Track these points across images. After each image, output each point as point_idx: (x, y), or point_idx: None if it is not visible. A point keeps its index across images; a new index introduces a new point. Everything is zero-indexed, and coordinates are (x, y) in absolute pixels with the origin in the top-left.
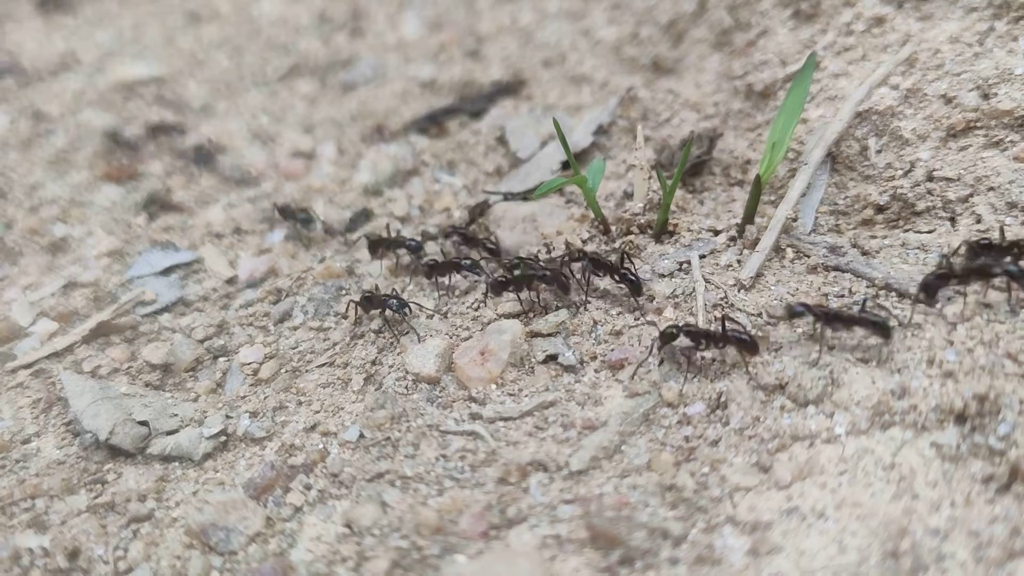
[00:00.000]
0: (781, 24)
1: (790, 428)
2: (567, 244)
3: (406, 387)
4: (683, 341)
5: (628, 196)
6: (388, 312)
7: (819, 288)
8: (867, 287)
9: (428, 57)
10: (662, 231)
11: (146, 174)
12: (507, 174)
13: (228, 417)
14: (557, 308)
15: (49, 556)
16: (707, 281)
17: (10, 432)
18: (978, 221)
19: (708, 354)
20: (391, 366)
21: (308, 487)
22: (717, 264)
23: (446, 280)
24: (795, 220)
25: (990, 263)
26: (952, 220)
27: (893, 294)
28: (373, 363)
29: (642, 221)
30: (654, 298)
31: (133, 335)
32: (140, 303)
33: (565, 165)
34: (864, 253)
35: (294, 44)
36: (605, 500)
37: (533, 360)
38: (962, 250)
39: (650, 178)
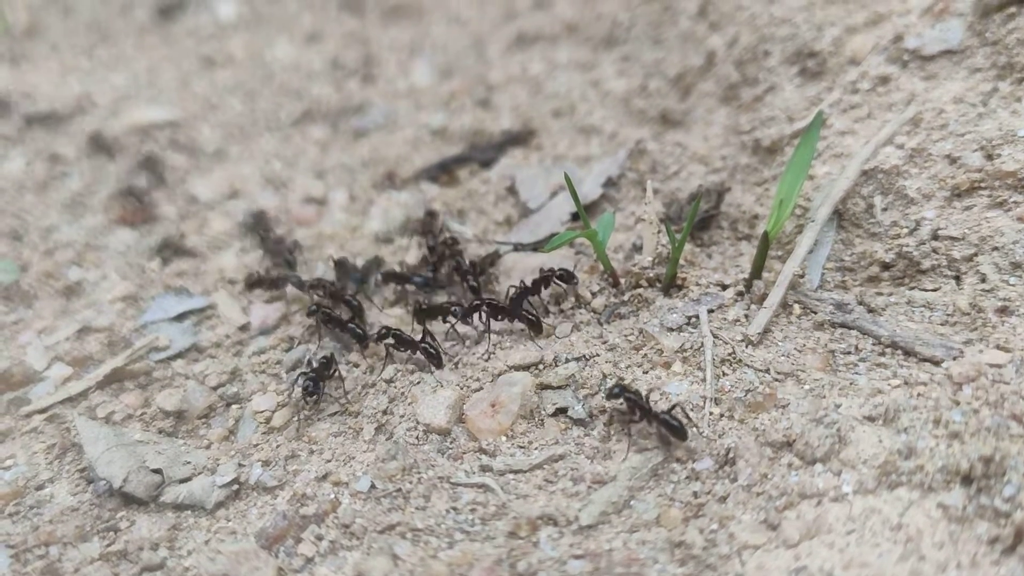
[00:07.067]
0: (788, 81)
1: (798, 486)
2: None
3: (417, 438)
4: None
5: (637, 249)
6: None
7: (826, 345)
8: (873, 344)
9: (439, 105)
10: (671, 285)
11: (160, 218)
12: (517, 224)
13: (240, 465)
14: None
15: None
16: (715, 336)
17: (24, 478)
18: (983, 280)
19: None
20: (402, 416)
21: (319, 537)
22: (725, 319)
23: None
24: (802, 276)
25: None
26: (957, 279)
27: (899, 352)
28: (384, 412)
29: (651, 275)
30: (663, 351)
31: (147, 381)
32: (154, 349)
33: (574, 216)
34: (870, 310)
35: (307, 90)
36: (614, 556)
37: (543, 412)
38: None
39: (659, 232)
